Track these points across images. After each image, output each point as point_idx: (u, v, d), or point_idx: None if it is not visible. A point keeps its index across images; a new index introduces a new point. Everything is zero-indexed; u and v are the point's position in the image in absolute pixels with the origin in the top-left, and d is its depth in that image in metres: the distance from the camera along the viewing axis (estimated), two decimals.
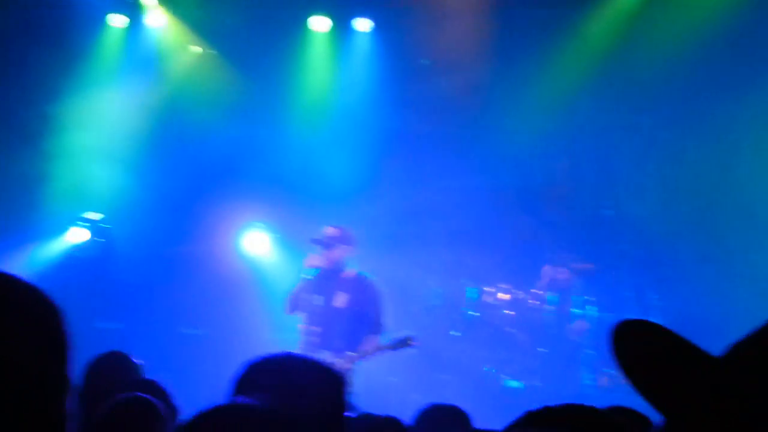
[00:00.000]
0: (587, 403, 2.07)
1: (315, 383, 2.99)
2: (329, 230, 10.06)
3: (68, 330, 1.64)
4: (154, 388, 4.73)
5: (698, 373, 1.49)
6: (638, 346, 1.56)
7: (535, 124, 14.28)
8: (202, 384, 11.16)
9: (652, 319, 9.94)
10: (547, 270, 12.98)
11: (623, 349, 1.58)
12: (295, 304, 10.08)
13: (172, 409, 4.61)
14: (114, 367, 5.49)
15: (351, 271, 10.11)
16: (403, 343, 9.54)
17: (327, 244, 9.96)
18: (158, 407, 4.18)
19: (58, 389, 1.57)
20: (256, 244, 13.22)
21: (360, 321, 9.91)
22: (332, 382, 3.06)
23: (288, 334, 11.71)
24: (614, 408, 3.89)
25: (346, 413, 2.93)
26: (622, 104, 14.09)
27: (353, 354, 9.65)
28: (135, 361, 5.73)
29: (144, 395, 4.23)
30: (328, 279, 10.04)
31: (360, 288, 10.02)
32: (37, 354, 1.54)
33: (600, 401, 11.39)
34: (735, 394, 1.44)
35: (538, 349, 12.73)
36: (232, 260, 13.31)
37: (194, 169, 13.87)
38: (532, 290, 12.84)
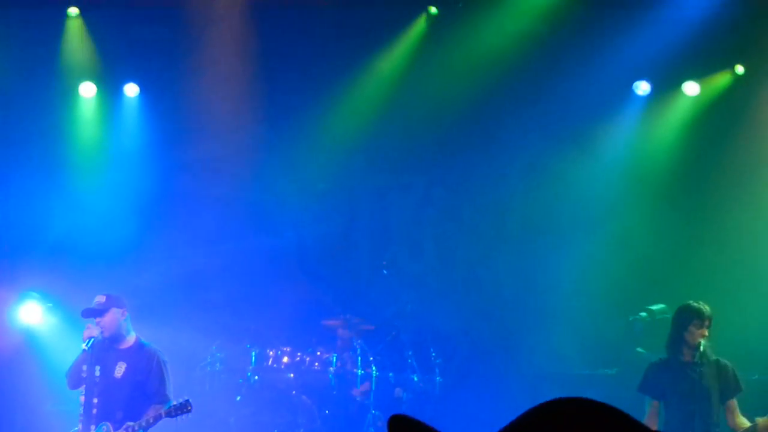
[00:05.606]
0: None
1: None
2: (98, 298, 9.88)
3: None
4: None
5: None
6: None
7: (309, 185, 14.42)
8: None
9: (432, 377, 10.09)
10: (338, 332, 13.09)
11: None
12: (76, 378, 9.83)
13: None
14: None
15: (131, 339, 9.96)
16: (180, 410, 9.45)
17: (98, 312, 9.80)
18: None
19: None
20: (32, 314, 12.80)
21: (141, 391, 9.77)
22: None
23: (70, 406, 11.44)
24: None
25: None
26: (396, 164, 14.36)
27: (133, 424, 9.49)
28: None
29: None
30: (106, 349, 9.87)
31: (140, 357, 9.88)
32: None
33: None
34: None
35: (324, 411, 12.78)
36: (7, 332, 12.89)
37: None
38: (316, 352, 12.89)
